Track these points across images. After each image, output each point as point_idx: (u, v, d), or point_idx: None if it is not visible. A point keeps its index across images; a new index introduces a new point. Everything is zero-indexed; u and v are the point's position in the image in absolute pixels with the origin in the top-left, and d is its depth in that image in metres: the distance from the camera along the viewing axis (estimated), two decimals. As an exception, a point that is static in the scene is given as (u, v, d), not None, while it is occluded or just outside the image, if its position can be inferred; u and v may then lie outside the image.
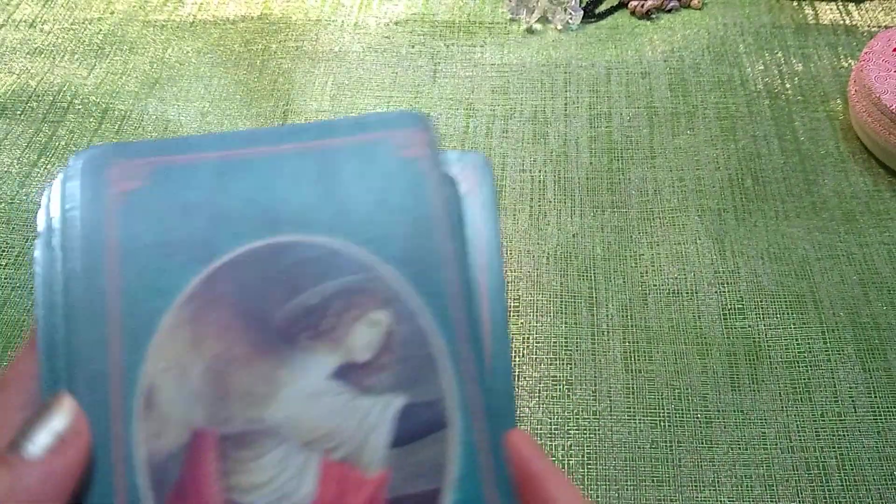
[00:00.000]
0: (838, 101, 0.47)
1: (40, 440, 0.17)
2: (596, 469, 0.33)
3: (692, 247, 0.40)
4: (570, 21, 0.53)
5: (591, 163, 0.45)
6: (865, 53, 0.45)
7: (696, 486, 0.32)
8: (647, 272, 0.39)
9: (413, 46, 0.52)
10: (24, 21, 0.55)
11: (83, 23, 0.55)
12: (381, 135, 0.20)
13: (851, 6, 0.53)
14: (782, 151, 0.45)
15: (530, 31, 0.53)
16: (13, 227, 0.43)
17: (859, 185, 0.43)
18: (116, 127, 0.48)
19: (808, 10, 0.53)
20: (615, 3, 0.54)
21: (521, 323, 0.38)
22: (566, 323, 0.37)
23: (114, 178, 0.20)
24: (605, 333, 0.37)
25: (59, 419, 0.17)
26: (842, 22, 0.52)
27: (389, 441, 0.18)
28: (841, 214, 0.41)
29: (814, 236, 0.40)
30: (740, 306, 0.38)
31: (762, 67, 0.49)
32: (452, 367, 0.19)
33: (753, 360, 0.36)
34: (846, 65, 0.49)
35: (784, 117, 0.46)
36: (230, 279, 0.19)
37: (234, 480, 0.18)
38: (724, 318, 0.37)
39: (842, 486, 0.32)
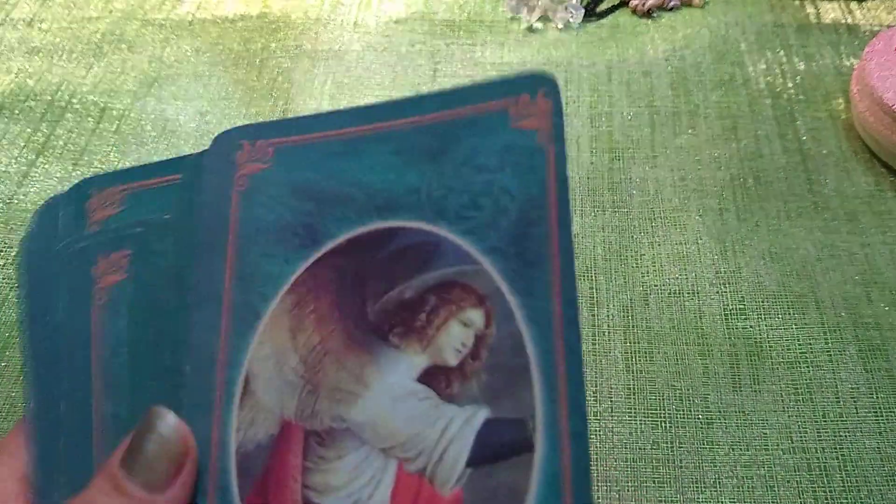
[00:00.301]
0: (840, 100, 0.47)
1: (158, 466, 0.16)
2: (597, 470, 0.32)
3: (693, 247, 0.40)
4: (570, 20, 0.53)
5: (591, 162, 0.44)
6: (867, 52, 0.44)
7: (697, 486, 0.32)
8: (648, 272, 0.39)
9: (413, 45, 0.52)
10: (22, 20, 0.55)
11: (81, 22, 0.55)
12: (501, 103, 0.19)
13: (853, 5, 0.53)
14: (784, 151, 0.44)
15: (531, 29, 0.53)
16: (11, 228, 0.43)
17: (861, 185, 0.43)
18: (115, 126, 0.48)
19: (810, 9, 0.53)
20: (616, 1, 0.54)
21: (522, 323, 0.37)
22: (567, 323, 0.37)
23: (241, 160, 0.19)
24: (606, 334, 0.37)
25: (171, 440, 0.17)
26: (844, 21, 0.52)
27: (468, 458, 0.17)
28: (843, 214, 0.41)
29: (816, 236, 0.40)
30: (742, 307, 0.37)
31: (764, 66, 0.49)
32: (544, 381, 0.17)
33: (755, 360, 0.36)
34: (848, 64, 0.49)
35: (786, 117, 0.46)
36: (332, 267, 0.18)
37: (312, 479, 0.17)
38: (726, 319, 0.37)
39: (843, 487, 0.32)
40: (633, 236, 0.41)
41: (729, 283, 0.38)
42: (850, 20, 0.52)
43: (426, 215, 0.18)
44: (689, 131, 0.46)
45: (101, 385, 0.18)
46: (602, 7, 0.54)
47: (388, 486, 0.17)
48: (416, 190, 0.19)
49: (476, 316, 0.18)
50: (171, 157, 0.23)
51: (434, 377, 0.18)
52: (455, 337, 0.18)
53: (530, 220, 0.18)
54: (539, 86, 0.19)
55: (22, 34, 0.54)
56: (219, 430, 0.18)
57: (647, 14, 0.53)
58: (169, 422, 0.17)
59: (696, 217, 0.41)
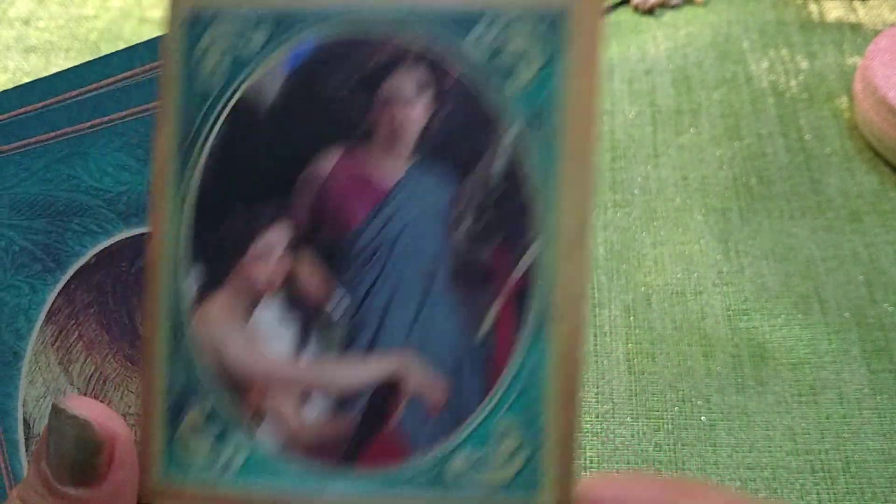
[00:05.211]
0: (844, 99, 0.47)
1: (78, 459, 0.15)
2: (599, 472, 0.32)
3: (696, 246, 0.40)
4: (571, 17, 0.52)
5: (593, 161, 0.44)
6: (871, 51, 0.44)
7: (700, 489, 0.32)
8: (650, 272, 0.39)
9: (413, 43, 0.52)
10: (19, 18, 0.55)
11: (78, 20, 0.55)
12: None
13: (857, 3, 0.53)
14: (787, 150, 0.44)
15: (532, 27, 0.53)
16: (8, 227, 0.42)
17: (865, 185, 0.42)
18: (113, 125, 0.47)
19: (813, 7, 0.53)
20: (617, -1, 0.54)
21: (523, 324, 0.37)
22: (568, 324, 0.37)
23: None
24: (608, 335, 0.36)
25: (82, 433, 0.15)
26: (847, 19, 0.52)
27: None
28: (847, 214, 0.41)
29: (819, 236, 0.40)
30: (745, 307, 0.37)
31: (767, 65, 0.49)
32: None
33: (758, 361, 0.35)
34: (851, 62, 0.49)
35: (789, 115, 0.46)
36: (87, 287, 0.17)
37: None
38: (729, 319, 0.37)
39: (847, 489, 0.31)
40: (635, 236, 0.40)
41: (732, 284, 0.38)
42: (853, 18, 0.52)
43: None
44: (692, 130, 0.45)
45: None
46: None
47: None
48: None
49: None
50: None
51: None
52: None
53: None
54: None
55: (19, 32, 0.54)
56: (11, 483, 0.17)
57: (649, 12, 0.53)
58: (72, 411, 0.15)
59: (699, 217, 0.41)
